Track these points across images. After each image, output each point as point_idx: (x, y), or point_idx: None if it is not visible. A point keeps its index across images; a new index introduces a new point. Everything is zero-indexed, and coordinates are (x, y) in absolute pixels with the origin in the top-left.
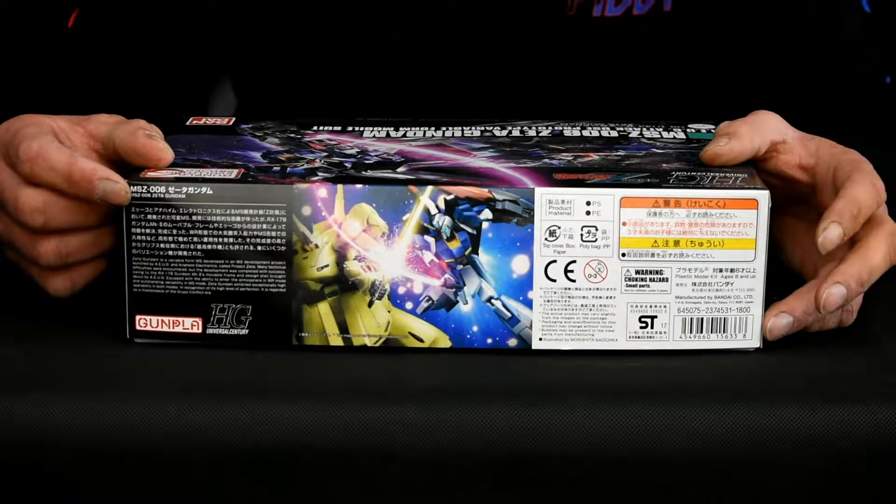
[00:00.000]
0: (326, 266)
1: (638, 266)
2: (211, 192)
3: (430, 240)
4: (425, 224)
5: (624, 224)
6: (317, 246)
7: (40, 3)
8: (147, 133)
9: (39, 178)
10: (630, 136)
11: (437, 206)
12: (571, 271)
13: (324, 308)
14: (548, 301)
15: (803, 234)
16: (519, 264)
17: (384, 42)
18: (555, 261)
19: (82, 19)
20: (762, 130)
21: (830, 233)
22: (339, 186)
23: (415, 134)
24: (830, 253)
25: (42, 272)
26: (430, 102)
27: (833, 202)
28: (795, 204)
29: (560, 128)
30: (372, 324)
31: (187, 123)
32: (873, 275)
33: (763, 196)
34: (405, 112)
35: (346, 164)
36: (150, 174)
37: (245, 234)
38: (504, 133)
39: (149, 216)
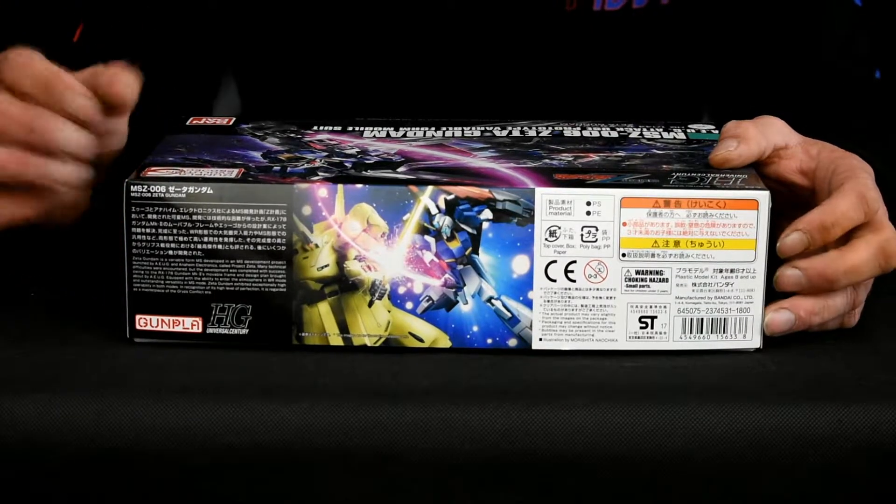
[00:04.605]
0: (326, 266)
1: (638, 266)
2: (211, 191)
3: (431, 240)
4: (425, 224)
5: (624, 224)
6: (317, 246)
7: (46, 19)
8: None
9: (20, 85)
10: (630, 136)
11: (437, 206)
12: (572, 271)
13: (324, 308)
14: (548, 301)
15: None
16: (519, 264)
17: (384, 42)
18: (555, 261)
19: (87, 33)
20: (768, 134)
21: (790, 239)
22: (340, 186)
23: (415, 134)
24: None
25: None
26: (430, 102)
27: (810, 210)
28: (796, 208)
29: (560, 128)
30: (372, 324)
31: (187, 123)
32: (849, 275)
33: (763, 196)
34: (405, 112)
35: (347, 164)
36: (151, 173)
37: (245, 233)
38: (504, 133)
39: (149, 216)
